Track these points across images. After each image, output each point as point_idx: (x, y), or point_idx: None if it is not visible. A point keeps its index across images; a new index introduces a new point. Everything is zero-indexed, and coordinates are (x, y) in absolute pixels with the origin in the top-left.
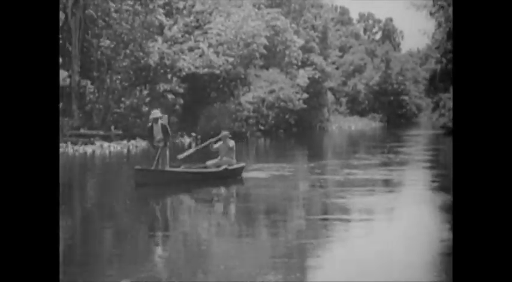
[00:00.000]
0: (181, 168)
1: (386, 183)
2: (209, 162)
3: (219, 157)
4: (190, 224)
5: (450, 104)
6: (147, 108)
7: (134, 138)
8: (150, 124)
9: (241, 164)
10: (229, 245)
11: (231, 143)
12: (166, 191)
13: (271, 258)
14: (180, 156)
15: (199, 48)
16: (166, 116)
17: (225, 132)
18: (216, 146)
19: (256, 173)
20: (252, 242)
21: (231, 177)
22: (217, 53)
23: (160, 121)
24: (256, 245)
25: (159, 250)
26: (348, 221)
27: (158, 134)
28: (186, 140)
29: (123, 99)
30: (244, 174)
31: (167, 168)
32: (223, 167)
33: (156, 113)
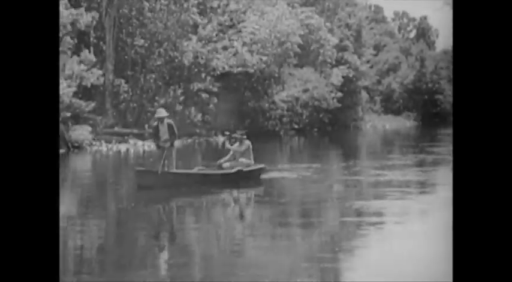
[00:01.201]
0: (190, 170)
1: (420, 184)
2: (225, 164)
3: (235, 158)
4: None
5: None
6: (181, 107)
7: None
8: (155, 123)
9: (260, 166)
10: (259, 251)
11: (247, 143)
12: (171, 193)
13: (301, 263)
14: (221, 161)
15: (233, 47)
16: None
17: (240, 132)
18: (228, 146)
19: (286, 173)
20: (271, 246)
21: (247, 179)
22: (251, 52)
23: (166, 120)
24: (280, 249)
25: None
26: (382, 223)
27: (164, 134)
28: (220, 139)
29: (157, 98)
30: (273, 175)
31: (173, 169)
32: (237, 168)
33: (162, 111)
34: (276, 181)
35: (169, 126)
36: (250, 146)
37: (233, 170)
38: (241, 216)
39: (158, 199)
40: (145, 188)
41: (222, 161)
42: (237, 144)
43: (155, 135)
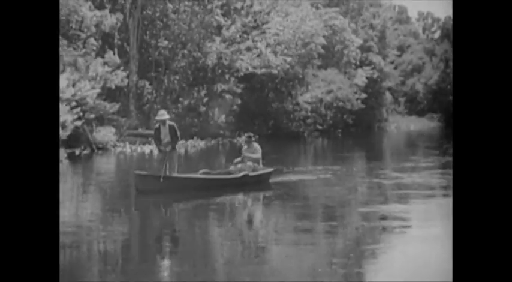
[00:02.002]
0: (193, 174)
1: (444, 188)
2: (232, 168)
3: (243, 162)
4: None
5: None
6: (204, 108)
7: (192, 138)
8: (157, 125)
9: (269, 169)
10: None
11: (256, 146)
12: (173, 198)
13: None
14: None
15: (257, 48)
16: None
17: (248, 134)
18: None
19: (308, 175)
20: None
21: (254, 183)
22: (275, 53)
23: (168, 122)
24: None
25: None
26: (404, 227)
27: (166, 137)
28: (243, 140)
29: (180, 99)
30: (292, 177)
31: (175, 174)
32: (243, 173)
33: (163, 113)
34: (295, 183)
35: (171, 128)
36: (260, 149)
37: (239, 175)
38: (254, 220)
39: (169, 202)
40: (144, 192)
41: (234, 162)
42: (245, 147)
43: (157, 138)
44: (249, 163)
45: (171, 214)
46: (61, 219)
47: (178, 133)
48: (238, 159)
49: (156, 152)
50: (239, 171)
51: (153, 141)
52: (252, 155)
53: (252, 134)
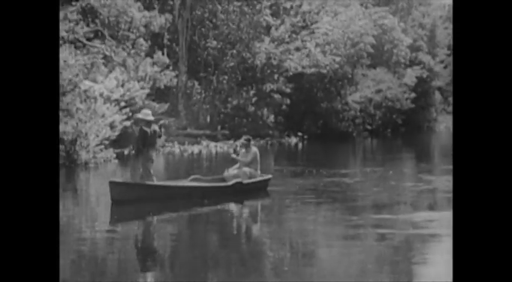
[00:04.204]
0: (175, 182)
1: None
2: (226, 174)
3: (239, 167)
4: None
5: None
6: (253, 108)
7: (241, 138)
8: (143, 127)
9: (266, 176)
10: None
11: (254, 150)
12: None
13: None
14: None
15: (306, 48)
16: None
17: (246, 137)
18: (234, 156)
19: (357, 177)
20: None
21: (249, 192)
22: (324, 53)
23: (144, 126)
24: None
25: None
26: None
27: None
28: (293, 140)
29: (229, 99)
30: (336, 179)
31: (152, 181)
32: (235, 180)
33: (147, 113)
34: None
35: (148, 132)
36: (258, 154)
37: (230, 183)
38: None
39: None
40: (120, 202)
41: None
42: (242, 151)
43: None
44: (245, 169)
45: (146, 227)
46: (103, 219)
47: (157, 137)
48: (237, 165)
49: (205, 151)
50: (233, 177)
51: (202, 141)
52: (243, 159)
53: (250, 137)
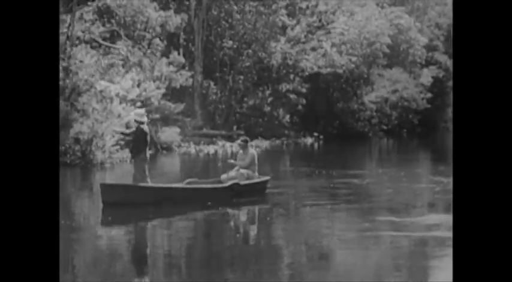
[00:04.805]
0: (169, 184)
1: None
2: (224, 176)
3: (236, 169)
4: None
5: None
6: (269, 108)
7: (256, 138)
8: (134, 128)
9: (264, 178)
10: None
11: (251, 151)
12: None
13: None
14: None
15: (322, 47)
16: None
17: (244, 138)
18: (231, 161)
19: (371, 179)
20: None
21: (246, 194)
22: (340, 53)
23: (142, 126)
24: None
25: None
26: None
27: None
28: (309, 140)
29: (245, 99)
30: (349, 180)
31: (147, 183)
32: (231, 182)
33: (140, 114)
34: (350, 186)
35: (142, 132)
36: (255, 155)
37: (226, 184)
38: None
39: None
40: (112, 205)
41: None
42: (240, 152)
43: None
44: (243, 170)
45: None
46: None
47: (149, 139)
48: (236, 167)
49: (221, 151)
50: (230, 180)
51: (217, 142)
52: (241, 163)
53: (247, 139)
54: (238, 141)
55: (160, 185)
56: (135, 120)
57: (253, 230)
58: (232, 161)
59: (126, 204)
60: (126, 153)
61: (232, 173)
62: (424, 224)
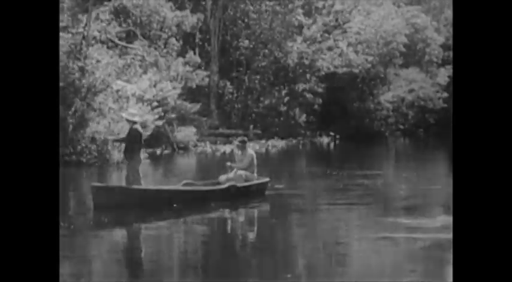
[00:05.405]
0: (163, 186)
1: None
2: (222, 177)
3: (234, 170)
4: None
5: None
6: (285, 108)
7: (273, 138)
8: (130, 127)
9: (263, 179)
10: None
11: (250, 152)
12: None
13: None
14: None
15: (338, 47)
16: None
17: (241, 138)
18: (229, 164)
19: (384, 178)
20: None
21: (245, 196)
22: (356, 52)
23: (135, 127)
24: None
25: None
26: None
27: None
28: (325, 139)
29: (261, 98)
30: (365, 181)
31: (140, 185)
32: (229, 183)
33: (132, 114)
34: (366, 186)
35: (135, 132)
36: (254, 156)
37: (223, 186)
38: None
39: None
40: (102, 208)
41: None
42: (238, 153)
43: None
44: (241, 172)
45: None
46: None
47: (142, 139)
48: (231, 174)
49: (236, 151)
50: (228, 181)
51: (233, 141)
52: (239, 165)
53: (245, 139)
54: (236, 142)
55: (154, 187)
56: (127, 120)
57: (253, 232)
58: (229, 163)
59: (119, 207)
60: (143, 153)
61: (230, 175)
62: (439, 226)
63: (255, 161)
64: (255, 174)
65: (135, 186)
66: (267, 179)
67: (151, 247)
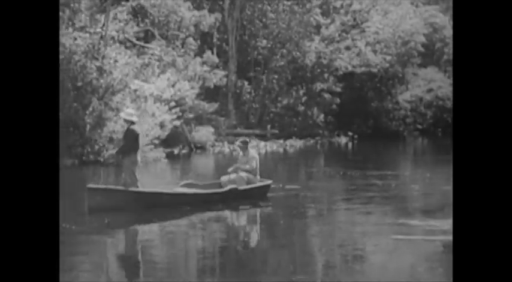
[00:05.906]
0: (161, 189)
1: None
2: (223, 178)
3: (236, 172)
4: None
5: None
6: (303, 108)
7: (290, 138)
8: (127, 127)
9: (266, 182)
10: None
11: (252, 153)
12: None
13: None
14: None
15: (356, 46)
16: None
17: (243, 139)
18: (230, 169)
19: (401, 179)
20: None
21: (246, 199)
22: (374, 52)
23: (133, 127)
24: None
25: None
26: None
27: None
28: (343, 139)
29: (279, 98)
30: (378, 182)
31: (135, 188)
32: (230, 186)
33: (129, 114)
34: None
35: (131, 132)
36: (257, 158)
37: (223, 189)
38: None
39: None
40: (97, 210)
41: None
42: (240, 154)
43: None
44: (243, 174)
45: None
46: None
47: (140, 138)
48: (231, 168)
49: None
50: (230, 183)
51: (251, 141)
52: (243, 166)
53: (247, 139)
54: (238, 143)
55: (151, 190)
56: (124, 120)
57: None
58: (230, 169)
59: (115, 210)
60: (160, 152)
61: (232, 176)
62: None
63: (258, 163)
64: (258, 177)
65: (132, 189)
66: (269, 182)
67: (151, 248)
